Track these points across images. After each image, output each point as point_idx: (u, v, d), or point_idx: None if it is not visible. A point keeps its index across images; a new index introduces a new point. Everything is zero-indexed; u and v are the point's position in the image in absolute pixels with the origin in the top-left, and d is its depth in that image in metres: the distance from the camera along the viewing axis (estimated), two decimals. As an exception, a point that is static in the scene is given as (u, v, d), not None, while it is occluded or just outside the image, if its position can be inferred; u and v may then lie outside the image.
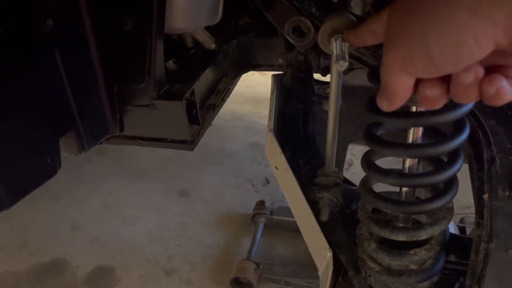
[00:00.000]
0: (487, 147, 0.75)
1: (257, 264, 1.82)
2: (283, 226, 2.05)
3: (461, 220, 1.87)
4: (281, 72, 1.14)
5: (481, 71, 0.48)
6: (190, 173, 2.46)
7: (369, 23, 0.60)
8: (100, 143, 1.02)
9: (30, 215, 2.18)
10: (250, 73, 3.39)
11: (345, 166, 1.97)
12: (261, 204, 2.12)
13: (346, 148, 1.22)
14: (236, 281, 1.80)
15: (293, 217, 2.03)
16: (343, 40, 0.68)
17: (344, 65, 0.67)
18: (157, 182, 2.40)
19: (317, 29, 0.74)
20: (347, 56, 0.67)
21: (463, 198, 1.39)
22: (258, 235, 2.00)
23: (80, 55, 0.86)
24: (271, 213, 2.08)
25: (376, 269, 0.80)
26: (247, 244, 1.97)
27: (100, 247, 2.02)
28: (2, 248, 2.03)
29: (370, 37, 0.61)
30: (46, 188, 2.35)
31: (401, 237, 0.74)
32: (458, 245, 0.87)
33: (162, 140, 1.01)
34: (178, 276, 1.89)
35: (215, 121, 2.96)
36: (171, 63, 1.12)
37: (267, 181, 2.40)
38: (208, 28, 1.15)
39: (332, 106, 0.87)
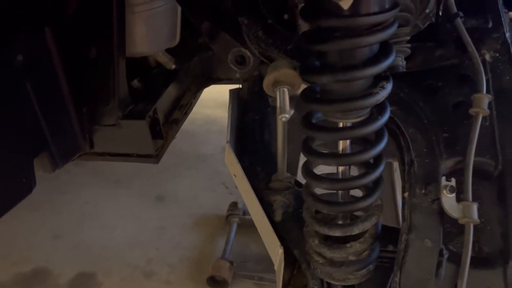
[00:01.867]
0: (407, 151, 0.87)
1: (231, 263, 1.93)
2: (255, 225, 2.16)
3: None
4: (237, 87, 1.25)
5: None
6: (166, 178, 2.55)
7: None
8: (73, 160, 1.11)
9: (10, 226, 2.24)
10: (222, 77, 3.46)
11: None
12: (234, 205, 2.23)
13: (299, 154, 1.34)
14: (212, 279, 1.90)
15: (264, 216, 2.16)
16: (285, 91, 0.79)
17: (286, 118, 0.78)
18: (133, 189, 2.48)
19: (261, 53, 0.86)
20: (288, 109, 0.78)
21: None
22: (232, 234, 2.11)
23: (50, 83, 0.96)
24: (244, 213, 2.19)
25: (321, 261, 0.92)
26: (222, 244, 2.07)
27: (80, 254, 2.10)
28: (-16, 260, 2.09)
29: None
30: (25, 199, 2.40)
31: (337, 233, 0.86)
32: (395, 236, 1.00)
33: (128, 155, 1.10)
34: (158, 277, 1.99)
35: (189, 126, 3.07)
36: (136, 82, 1.22)
37: (241, 183, 2.50)
38: (169, 48, 1.25)
39: (280, 136, 0.97)
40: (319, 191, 0.91)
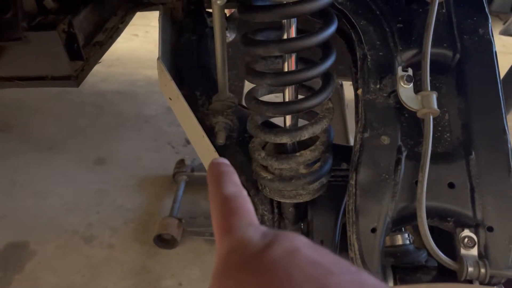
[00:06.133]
0: (359, 45, 0.78)
1: (180, 220, 1.81)
2: (205, 182, 2.04)
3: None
4: (169, 6, 1.11)
5: None
6: (105, 141, 2.36)
7: None
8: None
9: None
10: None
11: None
12: (181, 162, 2.09)
13: (243, 80, 1.23)
14: (159, 238, 1.77)
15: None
16: None
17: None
18: (70, 153, 2.27)
19: None
20: None
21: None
22: (180, 192, 1.98)
23: None
24: (192, 170, 2.07)
25: (269, 177, 0.82)
26: (170, 203, 1.94)
27: (10, 224, 1.89)
28: None
29: None
30: None
31: (285, 139, 0.76)
32: (348, 154, 0.91)
33: (42, 78, 0.94)
34: (99, 242, 1.83)
35: (130, 88, 2.86)
36: (49, 1, 1.04)
37: (188, 142, 2.37)
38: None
39: (217, 36, 0.85)
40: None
